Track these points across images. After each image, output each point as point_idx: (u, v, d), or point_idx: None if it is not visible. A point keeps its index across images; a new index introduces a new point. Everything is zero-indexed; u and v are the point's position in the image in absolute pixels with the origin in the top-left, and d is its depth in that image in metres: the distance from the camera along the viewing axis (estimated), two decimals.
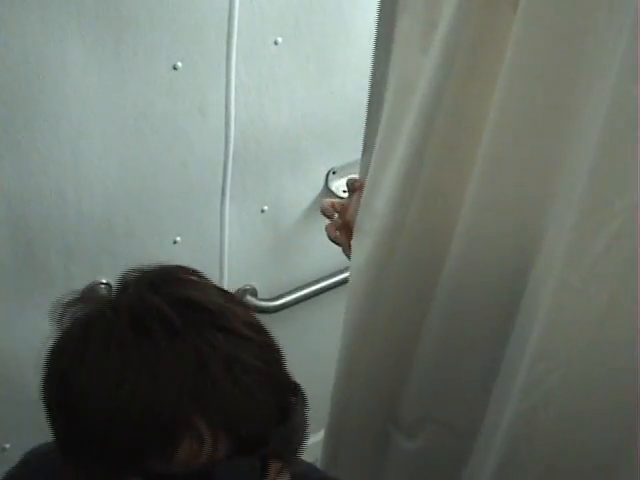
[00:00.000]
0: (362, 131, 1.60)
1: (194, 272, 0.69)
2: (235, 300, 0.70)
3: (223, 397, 0.60)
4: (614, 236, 0.75)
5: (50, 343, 0.65)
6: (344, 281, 1.76)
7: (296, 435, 0.67)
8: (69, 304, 0.67)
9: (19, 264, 1.23)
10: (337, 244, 1.10)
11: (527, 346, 0.85)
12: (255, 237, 1.55)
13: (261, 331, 0.67)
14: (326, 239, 1.67)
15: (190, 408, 0.59)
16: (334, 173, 1.59)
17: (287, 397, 0.67)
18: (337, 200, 1.11)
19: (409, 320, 1.04)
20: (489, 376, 0.97)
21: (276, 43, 1.34)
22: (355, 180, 1.07)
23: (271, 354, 0.66)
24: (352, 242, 1.05)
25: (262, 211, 1.52)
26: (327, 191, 1.59)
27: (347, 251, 1.08)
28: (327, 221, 1.64)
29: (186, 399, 0.59)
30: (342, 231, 1.08)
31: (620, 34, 0.70)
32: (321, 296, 1.72)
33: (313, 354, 1.94)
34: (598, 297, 0.78)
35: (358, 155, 1.63)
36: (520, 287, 0.90)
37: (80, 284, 1.31)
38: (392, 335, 1.05)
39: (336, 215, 1.09)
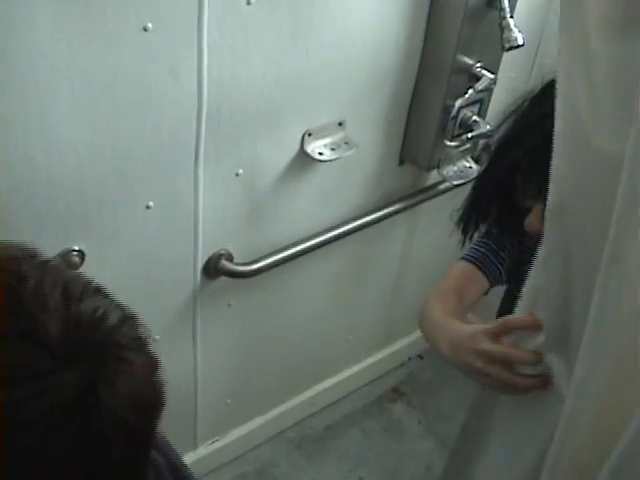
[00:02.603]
0: (338, 92, 1.58)
1: None
2: None
3: None
4: None
5: None
6: (319, 245, 1.76)
7: None
8: None
9: None
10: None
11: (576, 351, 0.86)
12: (230, 201, 1.54)
13: None
14: (301, 203, 1.66)
15: None
16: (310, 135, 1.57)
17: None
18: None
19: None
20: None
21: (249, 3, 1.30)
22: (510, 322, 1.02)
23: None
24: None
25: (237, 174, 1.50)
26: (302, 153, 1.57)
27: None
28: (302, 184, 1.62)
29: None
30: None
31: None
32: (297, 260, 1.72)
33: (289, 318, 1.94)
34: (633, 299, 0.77)
35: (333, 116, 1.62)
36: None
37: (52, 251, 1.30)
38: None
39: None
